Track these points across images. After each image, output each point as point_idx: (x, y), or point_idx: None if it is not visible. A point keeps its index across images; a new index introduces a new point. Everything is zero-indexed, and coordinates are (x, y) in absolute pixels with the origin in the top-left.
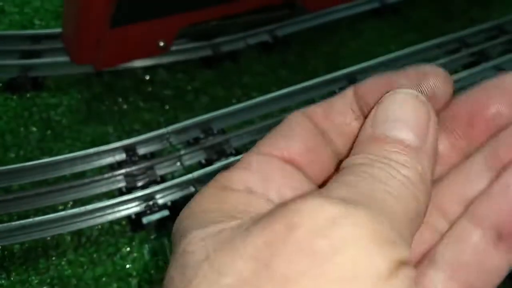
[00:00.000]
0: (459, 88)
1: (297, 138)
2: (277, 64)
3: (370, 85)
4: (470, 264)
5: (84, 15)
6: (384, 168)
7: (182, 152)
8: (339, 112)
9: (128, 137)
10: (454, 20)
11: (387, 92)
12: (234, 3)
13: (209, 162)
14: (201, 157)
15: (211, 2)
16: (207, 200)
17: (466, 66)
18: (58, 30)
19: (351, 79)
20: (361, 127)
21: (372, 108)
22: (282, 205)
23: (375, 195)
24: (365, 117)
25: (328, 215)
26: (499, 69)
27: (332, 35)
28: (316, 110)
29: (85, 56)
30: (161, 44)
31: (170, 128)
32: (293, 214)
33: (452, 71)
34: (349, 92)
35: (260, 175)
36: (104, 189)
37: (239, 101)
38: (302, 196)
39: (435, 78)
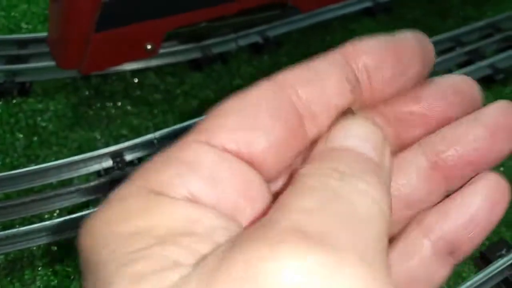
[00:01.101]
0: None
1: (265, 124)
2: (269, 66)
3: (373, 47)
4: (420, 279)
5: (68, 20)
6: (349, 181)
7: None
8: (330, 82)
9: (116, 143)
10: (448, 18)
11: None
12: (224, 5)
13: None
14: None
15: (199, 5)
16: (128, 212)
17: (460, 65)
18: (45, 34)
19: None
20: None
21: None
22: (246, 254)
23: (344, 223)
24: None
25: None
26: (494, 67)
27: (324, 35)
28: (295, 78)
29: (71, 61)
30: (149, 47)
31: (158, 133)
32: (265, 276)
33: (447, 70)
34: (337, 56)
35: (209, 177)
36: (91, 197)
37: None
38: (270, 238)
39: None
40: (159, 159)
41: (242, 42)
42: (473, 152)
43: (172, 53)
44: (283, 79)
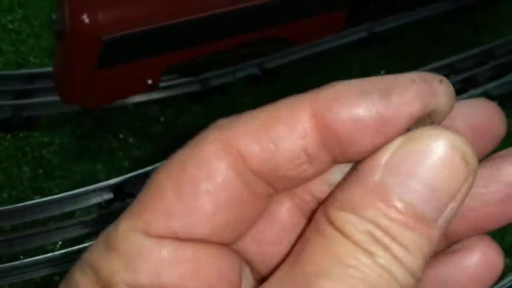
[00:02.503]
0: None
1: (205, 207)
2: (266, 97)
3: (351, 113)
4: None
5: (71, 57)
6: (384, 253)
7: None
8: (285, 154)
9: (117, 174)
10: (444, 45)
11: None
12: (221, 41)
13: None
14: None
15: (198, 41)
16: None
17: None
18: (51, 68)
19: None
20: (354, 167)
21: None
22: None
23: None
24: (344, 160)
25: None
26: (488, 95)
27: (320, 66)
28: (252, 147)
29: (74, 97)
30: (150, 82)
31: (159, 165)
32: None
33: None
34: (303, 117)
35: (151, 270)
36: (92, 228)
37: None
38: None
39: (446, 96)
40: (102, 246)
41: (240, 74)
42: (482, 217)
43: (172, 86)
44: (230, 143)
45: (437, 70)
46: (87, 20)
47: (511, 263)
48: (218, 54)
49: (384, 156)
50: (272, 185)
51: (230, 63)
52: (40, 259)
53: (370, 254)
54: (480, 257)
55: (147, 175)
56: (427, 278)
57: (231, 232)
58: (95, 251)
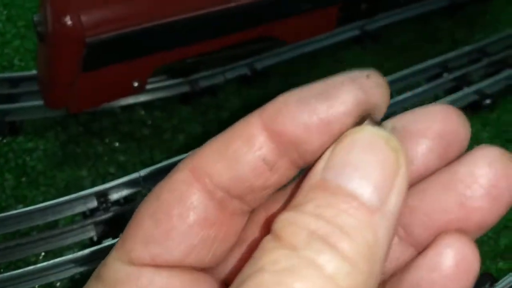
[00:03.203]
0: None
1: (178, 231)
2: (256, 98)
3: (293, 119)
4: None
5: (54, 61)
6: (307, 255)
7: None
8: (246, 166)
9: (103, 181)
10: (437, 42)
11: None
12: (210, 41)
13: None
14: None
15: (185, 41)
16: None
17: (448, 91)
18: (36, 71)
19: None
20: (307, 171)
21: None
22: None
23: None
24: (303, 162)
25: None
26: (481, 93)
27: (312, 65)
28: (216, 167)
29: (58, 101)
30: (136, 84)
31: (143, 172)
32: None
33: (434, 97)
34: (255, 131)
35: None
36: (75, 239)
37: None
38: None
39: (376, 89)
40: (94, 276)
41: (230, 75)
42: (443, 223)
43: (160, 88)
44: (196, 168)
45: (430, 68)
46: (70, 22)
47: (506, 267)
48: (207, 54)
49: (325, 155)
50: (243, 200)
51: (219, 64)
52: (21, 272)
53: (308, 258)
54: (453, 257)
55: (132, 181)
56: (402, 284)
57: (208, 252)
58: (89, 281)
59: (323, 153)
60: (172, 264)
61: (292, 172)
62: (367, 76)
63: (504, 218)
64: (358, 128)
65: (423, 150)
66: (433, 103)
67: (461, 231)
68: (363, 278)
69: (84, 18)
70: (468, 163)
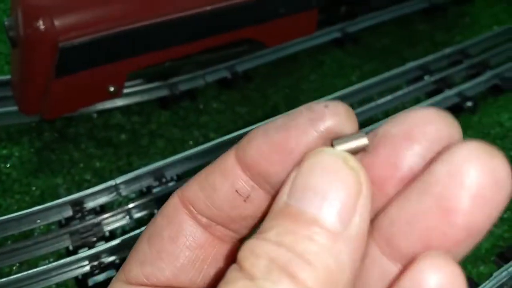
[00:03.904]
0: None
1: (168, 253)
2: (237, 101)
3: (256, 150)
4: None
5: (27, 66)
6: (283, 269)
7: (131, 205)
8: (223, 196)
9: (78, 188)
10: (417, 45)
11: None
12: (188, 44)
13: None
14: (153, 208)
15: (163, 45)
16: None
17: (429, 94)
18: (9, 76)
19: None
20: (272, 198)
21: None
22: None
23: None
24: (267, 188)
25: None
26: (462, 95)
27: (292, 68)
28: (197, 195)
29: (32, 107)
30: (112, 89)
31: (119, 179)
32: None
33: (415, 100)
34: (230, 163)
35: None
36: (50, 249)
37: (196, 143)
38: None
39: (335, 118)
40: None
41: (210, 78)
42: (425, 231)
43: (138, 92)
44: (183, 195)
45: (410, 71)
46: (42, 27)
47: (487, 271)
48: (186, 58)
49: (289, 180)
50: (228, 228)
51: (199, 67)
52: None
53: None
54: (432, 283)
55: (108, 188)
56: None
57: (198, 274)
58: None
59: (287, 177)
60: (165, 284)
61: (265, 203)
62: (325, 106)
63: None
64: (316, 151)
65: (408, 154)
66: (418, 106)
67: (442, 249)
68: None
69: (57, 22)
70: (445, 161)
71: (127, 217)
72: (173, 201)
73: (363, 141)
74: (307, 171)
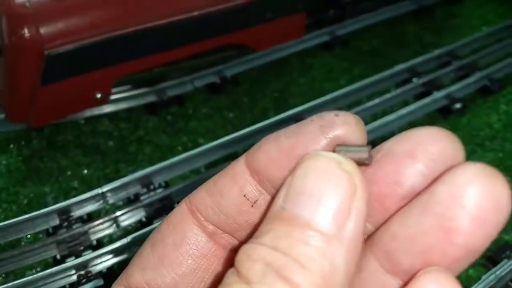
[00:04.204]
0: (408, 122)
1: (171, 259)
2: (226, 106)
3: (266, 155)
4: None
5: (13, 74)
6: (278, 273)
7: (118, 213)
8: (231, 202)
9: (66, 197)
10: (406, 47)
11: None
12: (176, 50)
13: (150, 220)
14: (141, 215)
15: (150, 51)
16: None
17: (417, 96)
18: None
19: (299, 120)
20: (270, 202)
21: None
22: None
23: None
24: (274, 194)
25: None
26: (451, 97)
27: (281, 72)
28: (205, 201)
29: (19, 115)
30: (98, 96)
31: (106, 187)
32: None
33: (403, 102)
34: (239, 169)
35: None
36: (37, 258)
37: (185, 149)
38: None
39: (344, 127)
40: None
41: (199, 83)
42: (425, 248)
43: (126, 98)
44: (190, 202)
45: (399, 73)
46: (27, 34)
47: (476, 274)
48: (174, 63)
49: (285, 184)
50: (235, 236)
51: (187, 72)
52: None
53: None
54: None
55: (94, 197)
56: None
57: (199, 282)
58: None
59: (284, 181)
60: None
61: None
62: (335, 115)
63: None
64: (310, 154)
65: (410, 172)
66: (406, 109)
67: (442, 267)
68: None
69: (42, 30)
70: (447, 182)
71: (114, 225)
72: (180, 209)
73: (363, 153)
74: (301, 174)
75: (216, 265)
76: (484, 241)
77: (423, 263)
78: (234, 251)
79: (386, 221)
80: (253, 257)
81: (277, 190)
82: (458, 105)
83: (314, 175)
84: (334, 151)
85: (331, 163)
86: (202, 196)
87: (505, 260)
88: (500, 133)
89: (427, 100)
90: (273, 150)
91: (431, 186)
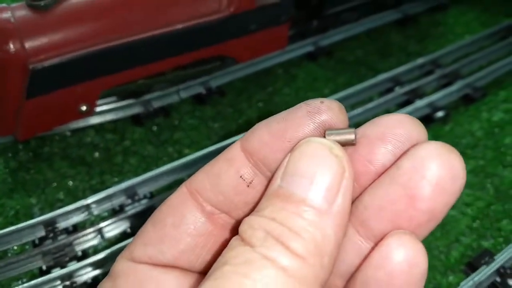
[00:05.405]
0: None
1: (171, 236)
2: (211, 116)
3: (259, 139)
4: None
5: None
6: (261, 251)
7: (103, 224)
8: (228, 183)
9: (52, 208)
10: (389, 56)
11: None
12: (160, 62)
13: (134, 231)
14: (125, 226)
15: (135, 63)
16: None
17: (400, 105)
18: None
19: None
20: (269, 181)
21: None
22: None
23: None
24: (268, 174)
25: None
26: (433, 106)
27: (266, 82)
28: (204, 183)
29: (5, 128)
30: (84, 108)
31: (90, 199)
32: None
33: (385, 112)
34: (235, 152)
35: (128, 286)
36: (24, 269)
37: (170, 159)
38: None
39: (329, 112)
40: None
41: (184, 94)
42: (394, 214)
43: (112, 110)
44: (190, 185)
45: (382, 83)
46: (12, 49)
47: (456, 281)
48: (160, 75)
49: (282, 165)
50: (231, 215)
51: (173, 84)
52: None
53: (263, 253)
54: (398, 256)
55: (79, 208)
56: (355, 281)
57: (197, 258)
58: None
59: (281, 163)
60: (165, 264)
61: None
62: (321, 102)
63: (455, 231)
64: (305, 140)
65: (381, 152)
66: (393, 113)
67: (408, 230)
68: (312, 270)
69: (27, 45)
70: (410, 156)
71: (99, 236)
72: (180, 191)
73: (351, 135)
74: (297, 157)
75: (213, 243)
76: (444, 207)
77: (392, 228)
78: (230, 230)
79: (360, 194)
80: (255, 226)
81: (274, 171)
82: (440, 114)
83: (308, 158)
84: (324, 134)
85: (323, 148)
86: (201, 179)
87: (484, 266)
88: (482, 140)
89: (409, 108)
90: (265, 135)
91: (398, 161)
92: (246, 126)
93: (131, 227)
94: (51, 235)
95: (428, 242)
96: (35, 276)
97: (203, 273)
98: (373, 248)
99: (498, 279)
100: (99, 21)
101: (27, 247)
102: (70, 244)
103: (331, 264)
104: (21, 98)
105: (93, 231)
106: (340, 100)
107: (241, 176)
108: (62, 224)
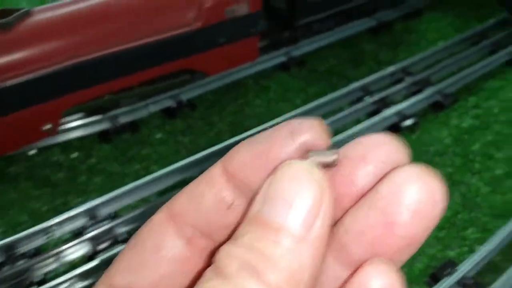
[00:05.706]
0: None
1: (149, 263)
2: (181, 130)
3: (241, 159)
4: None
5: None
6: (253, 269)
7: (64, 247)
8: (208, 205)
9: (14, 231)
10: (361, 65)
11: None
12: (127, 77)
13: (94, 255)
14: (85, 249)
15: (101, 79)
16: None
17: (369, 114)
18: None
19: None
20: (247, 205)
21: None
22: None
23: None
24: (250, 197)
25: None
26: (401, 114)
27: (237, 94)
28: (184, 205)
29: None
30: (47, 127)
31: (52, 221)
32: None
33: (355, 121)
34: (216, 173)
35: None
36: None
37: (136, 177)
38: None
39: (310, 132)
40: None
41: (154, 108)
42: (376, 240)
43: (79, 127)
44: (171, 207)
45: (353, 92)
46: None
47: None
48: (127, 90)
49: (262, 189)
50: (212, 239)
51: (142, 97)
52: None
53: (238, 285)
54: (376, 281)
55: (39, 231)
56: None
57: (177, 284)
58: None
59: (261, 185)
60: None
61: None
62: (300, 123)
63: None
64: (285, 163)
65: (363, 173)
66: (358, 127)
67: (387, 256)
68: None
69: None
70: (388, 181)
71: (59, 260)
72: (159, 216)
73: (334, 156)
74: (277, 180)
75: (192, 269)
76: (423, 232)
77: (371, 254)
78: (210, 255)
79: (342, 216)
80: (232, 256)
81: (254, 195)
82: (408, 122)
83: (287, 182)
84: (306, 155)
85: (303, 171)
86: (181, 201)
87: (446, 278)
88: (451, 147)
89: (376, 118)
90: (247, 155)
91: (377, 185)
92: (216, 139)
93: (91, 250)
94: (11, 259)
95: None
96: None
97: None
98: (351, 275)
99: None
100: (61, 39)
101: None
102: (30, 268)
103: None
104: None
105: (53, 255)
106: (311, 110)
107: (222, 198)
108: (23, 248)
